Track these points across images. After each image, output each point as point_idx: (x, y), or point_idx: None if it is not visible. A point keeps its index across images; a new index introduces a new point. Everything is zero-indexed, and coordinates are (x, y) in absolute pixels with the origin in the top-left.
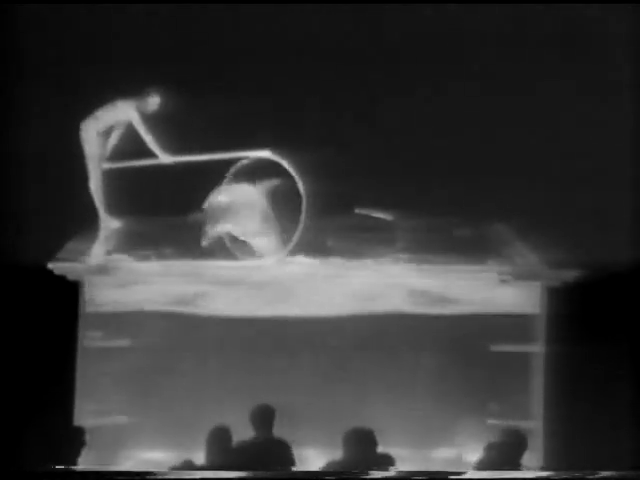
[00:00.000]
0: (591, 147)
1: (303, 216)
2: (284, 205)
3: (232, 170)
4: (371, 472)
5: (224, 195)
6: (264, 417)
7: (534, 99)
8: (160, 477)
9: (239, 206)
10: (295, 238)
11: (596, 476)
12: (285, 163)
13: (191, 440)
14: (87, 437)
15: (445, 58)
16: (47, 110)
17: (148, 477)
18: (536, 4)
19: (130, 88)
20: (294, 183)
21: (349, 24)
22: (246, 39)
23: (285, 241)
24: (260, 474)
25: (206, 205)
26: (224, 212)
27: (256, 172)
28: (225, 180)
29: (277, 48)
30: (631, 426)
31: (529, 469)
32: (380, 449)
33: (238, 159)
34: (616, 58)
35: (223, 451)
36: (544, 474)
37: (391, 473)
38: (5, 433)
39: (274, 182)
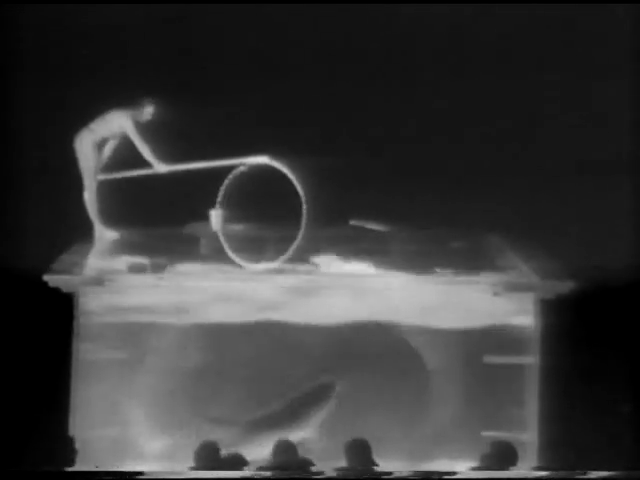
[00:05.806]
0: (587, 158)
1: (304, 221)
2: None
3: (230, 177)
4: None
5: None
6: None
7: (529, 110)
8: (154, 477)
9: None
10: (295, 244)
11: (589, 476)
12: (283, 169)
13: (186, 451)
14: (78, 447)
15: (446, 67)
16: (42, 122)
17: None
18: (536, 4)
19: (124, 98)
20: (294, 188)
21: (350, 29)
22: (244, 45)
23: (283, 249)
24: (258, 474)
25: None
26: None
27: (254, 178)
28: (223, 187)
29: (276, 54)
30: (626, 436)
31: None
32: (376, 460)
33: (236, 166)
34: (616, 58)
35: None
36: (538, 474)
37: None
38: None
39: None
